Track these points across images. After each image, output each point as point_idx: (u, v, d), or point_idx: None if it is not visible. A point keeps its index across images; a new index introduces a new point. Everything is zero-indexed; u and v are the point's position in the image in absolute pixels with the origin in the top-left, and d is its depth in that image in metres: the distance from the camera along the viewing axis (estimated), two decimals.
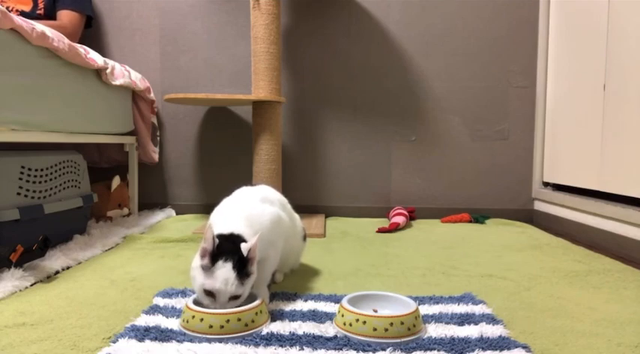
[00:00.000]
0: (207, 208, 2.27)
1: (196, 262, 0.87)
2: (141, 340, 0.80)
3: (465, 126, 2.23)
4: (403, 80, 2.23)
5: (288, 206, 1.20)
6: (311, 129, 2.27)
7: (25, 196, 1.34)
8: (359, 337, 0.81)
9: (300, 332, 0.84)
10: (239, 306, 0.86)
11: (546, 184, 2.18)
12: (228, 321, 0.82)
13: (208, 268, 0.84)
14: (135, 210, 2.11)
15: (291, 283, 1.17)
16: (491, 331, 0.84)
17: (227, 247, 0.86)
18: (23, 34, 1.30)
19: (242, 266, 0.85)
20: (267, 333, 0.83)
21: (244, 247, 0.87)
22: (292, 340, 0.81)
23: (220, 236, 0.89)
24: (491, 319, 0.89)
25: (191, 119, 2.29)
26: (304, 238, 1.26)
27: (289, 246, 1.14)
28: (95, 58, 1.69)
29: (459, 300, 1.01)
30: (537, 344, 0.81)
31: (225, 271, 0.83)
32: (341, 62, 2.24)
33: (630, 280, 1.19)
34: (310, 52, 2.25)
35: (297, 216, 1.25)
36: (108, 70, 1.76)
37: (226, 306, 0.85)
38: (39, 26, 1.36)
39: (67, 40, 1.49)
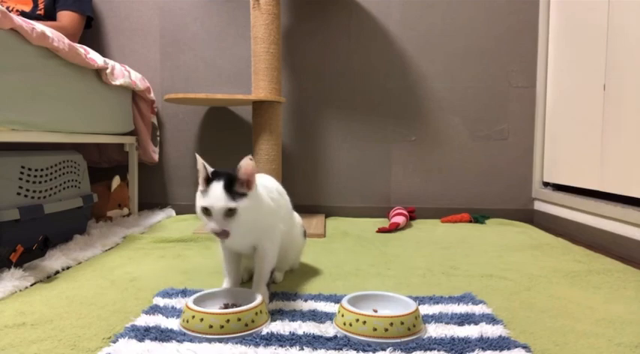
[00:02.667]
0: None
1: (198, 192, 0.93)
2: (141, 340, 0.80)
3: (465, 126, 2.23)
4: (403, 80, 2.23)
5: (286, 197, 1.19)
6: (311, 129, 2.27)
7: (25, 196, 1.34)
8: (359, 337, 0.81)
9: (300, 332, 0.84)
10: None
11: (546, 184, 2.18)
12: (228, 321, 0.82)
13: (205, 191, 0.89)
14: (135, 210, 2.11)
15: (291, 283, 1.17)
16: (491, 331, 0.84)
17: (221, 172, 0.92)
18: (23, 34, 1.30)
19: (233, 185, 0.90)
20: (267, 333, 0.83)
21: (238, 167, 0.91)
22: (292, 340, 0.81)
23: (216, 170, 0.94)
24: (491, 319, 0.89)
25: (191, 119, 2.29)
26: (304, 234, 1.25)
27: (288, 240, 1.14)
28: (95, 58, 1.69)
29: (459, 300, 1.01)
30: (537, 344, 0.81)
31: (216, 188, 0.89)
32: (341, 62, 2.24)
33: (630, 280, 1.19)
34: (310, 52, 2.25)
35: (295, 214, 1.25)
36: (108, 70, 1.76)
37: (224, 224, 0.88)
38: (39, 26, 1.36)
39: (67, 40, 1.49)
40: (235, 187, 0.90)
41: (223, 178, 0.90)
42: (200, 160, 0.91)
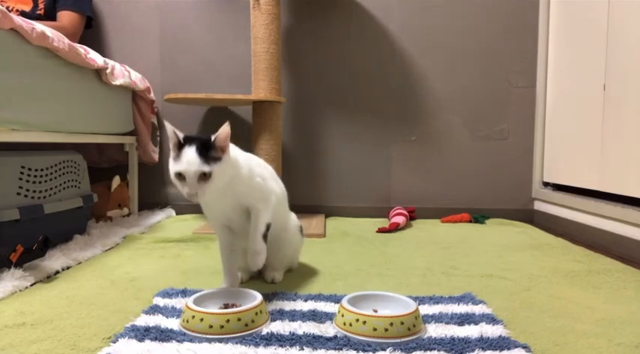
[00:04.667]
0: None
1: (171, 159, 0.93)
2: (141, 340, 0.80)
3: (465, 126, 2.23)
4: (403, 80, 2.23)
5: (281, 184, 1.19)
6: (311, 129, 2.27)
7: (25, 196, 1.34)
8: (359, 337, 0.81)
9: (300, 332, 0.84)
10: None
11: (546, 184, 2.18)
12: (228, 321, 0.82)
13: (177, 156, 0.90)
14: (135, 210, 2.11)
15: (291, 283, 1.17)
16: (492, 331, 0.84)
17: (192, 137, 0.91)
18: (23, 34, 1.30)
19: (207, 150, 0.90)
20: (267, 333, 0.83)
21: (214, 135, 0.91)
22: (292, 340, 0.81)
23: (188, 136, 0.93)
24: (491, 319, 0.89)
25: (191, 119, 2.29)
26: (301, 232, 1.25)
27: (281, 220, 1.15)
28: (95, 58, 1.69)
29: (459, 300, 1.01)
30: (537, 344, 0.81)
31: (188, 153, 0.89)
32: (341, 62, 2.24)
33: (630, 280, 1.19)
34: (310, 51, 2.25)
35: (292, 213, 1.25)
36: (108, 70, 1.76)
37: (197, 187, 0.89)
38: (39, 26, 1.36)
39: (67, 40, 1.49)
40: (210, 151, 0.90)
41: (196, 142, 0.90)
42: (170, 127, 0.90)
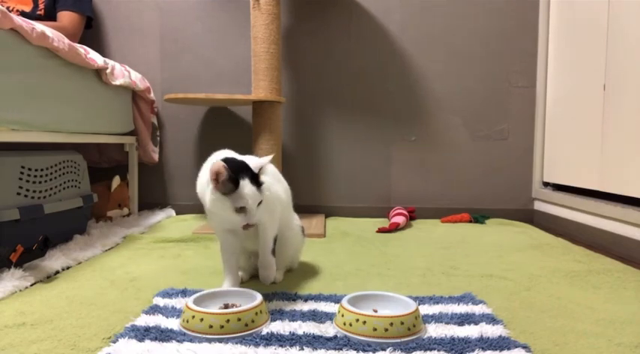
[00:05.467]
0: None
1: (211, 195, 0.95)
2: (141, 340, 0.80)
3: (465, 126, 2.23)
4: (403, 80, 2.23)
5: (285, 184, 1.21)
6: (311, 129, 2.27)
7: (25, 196, 1.34)
8: (359, 337, 0.81)
9: (300, 332, 0.84)
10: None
11: (546, 184, 2.18)
12: (228, 321, 0.82)
13: (232, 191, 0.93)
14: (135, 210, 2.11)
15: (291, 283, 1.17)
16: (492, 331, 0.84)
17: (237, 168, 0.95)
18: (23, 34, 1.30)
19: (255, 178, 0.97)
20: (267, 333, 0.83)
21: (254, 165, 0.98)
22: (292, 340, 0.81)
23: (224, 160, 0.95)
24: (491, 319, 0.89)
25: (191, 119, 2.29)
26: (302, 233, 1.25)
27: (285, 234, 1.16)
28: (95, 58, 1.69)
29: (459, 300, 1.01)
30: (537, 344, 0.81)
31: (247, 187, 0.94)
32: (341, 62, 2.24)
33: (630, 280, 1.19)
34: (310, 52, 2.25)
35: (294, 214, 1.25)
36: (108, 70, 1.76)
37: (256, 214, 0.96)
38: (39, 26, 1.36)
39: (67, 40, 1.49)
40: (258, 178, 0.98)
41: (247, 175, 0.95)
42: (220, 164, 0.91)
